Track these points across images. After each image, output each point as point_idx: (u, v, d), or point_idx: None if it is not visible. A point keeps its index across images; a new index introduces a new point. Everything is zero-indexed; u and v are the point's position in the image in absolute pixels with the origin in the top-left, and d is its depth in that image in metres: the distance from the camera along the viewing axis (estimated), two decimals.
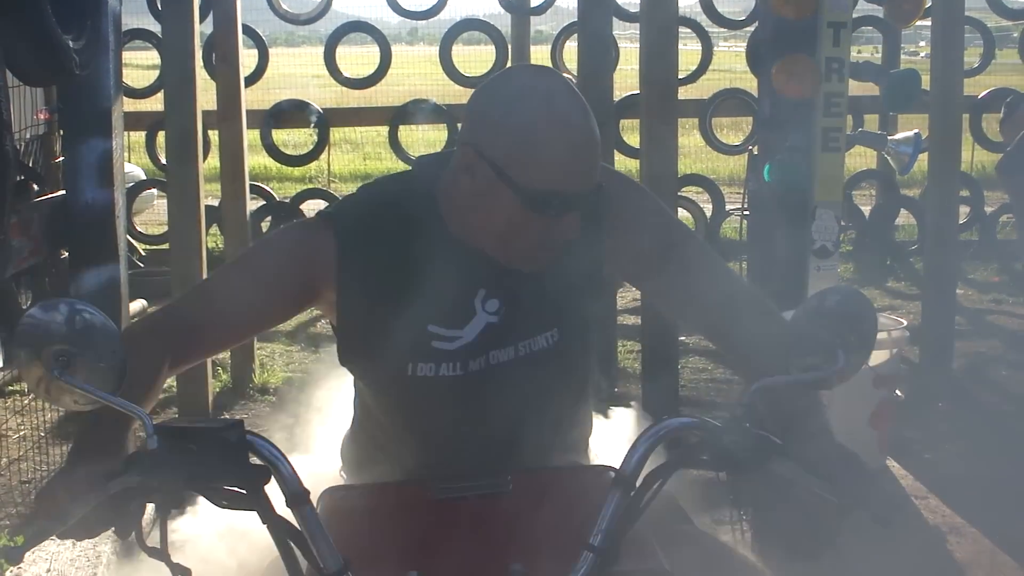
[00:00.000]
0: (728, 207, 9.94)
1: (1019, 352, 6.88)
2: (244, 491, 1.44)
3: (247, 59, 7.25)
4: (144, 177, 10.05)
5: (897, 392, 4.91)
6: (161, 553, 1.47)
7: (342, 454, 2.24)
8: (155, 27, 7.37)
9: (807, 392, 1.72)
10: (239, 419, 1.46)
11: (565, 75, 8.60)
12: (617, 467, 1.53)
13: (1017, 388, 6.21)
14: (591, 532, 1.47)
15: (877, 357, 4.54)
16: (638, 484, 1.50)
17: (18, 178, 4.44)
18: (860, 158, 10.47)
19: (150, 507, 1.48)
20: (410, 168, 2.11)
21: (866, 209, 10.24)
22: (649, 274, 2.05)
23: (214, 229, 8.07)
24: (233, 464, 1.43)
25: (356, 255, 1.92)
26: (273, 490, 1.47)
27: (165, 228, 7.14)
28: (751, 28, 8.59)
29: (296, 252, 1.96)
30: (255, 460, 1.46)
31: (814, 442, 1.65)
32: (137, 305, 7.78)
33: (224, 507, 1.45)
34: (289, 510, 1.47)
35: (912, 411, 5.48)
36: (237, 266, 2.06)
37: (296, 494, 1.46)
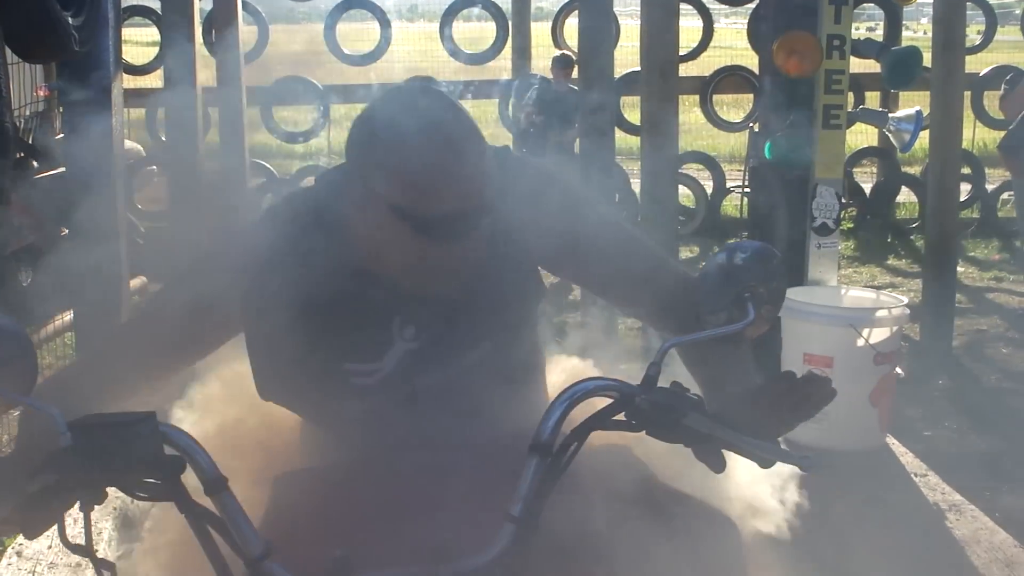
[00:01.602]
0: (729, 184, 9.94)
1: (1019, 330, 6.89)
2: (160, 482, 1.43)
3: (247, 35, 7.24)
4: (144, 154, 10.05)
5: (897, 369, 4.91)
6: (85, 550, 1.46)
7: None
8: (155, 3, 7.36)
9: (727, 346, 1.71)
10: (151, 412, 1.45)
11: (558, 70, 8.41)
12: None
13: (1017, 366, 6.21)
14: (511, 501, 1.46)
15: (878, 334, 4.54)
16: (555, 449, 1.49)
17: (18, 155, 4.43)
18: (861, 135, 10.46)
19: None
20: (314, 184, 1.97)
21: (867, 186, 10.25)
22: (564, 262, 1.99)
23: None
24: (147, 456, 1.42)
25: (259, 293, 1.82)
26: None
27: (165, 205, 7.14)
28: (752, 5, 8.58)
29: (203, 290, 1.85)
30: (170, 450, 1.44)
31: (735, 395, 1.64)
32: (137, 282, 7.79)
33: (142, 499, 1.44)
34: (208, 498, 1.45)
35: (912, 388, 5.49)
36: (162, 296, 1.96)
37: (213, 481, 1.45)
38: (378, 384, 1.86)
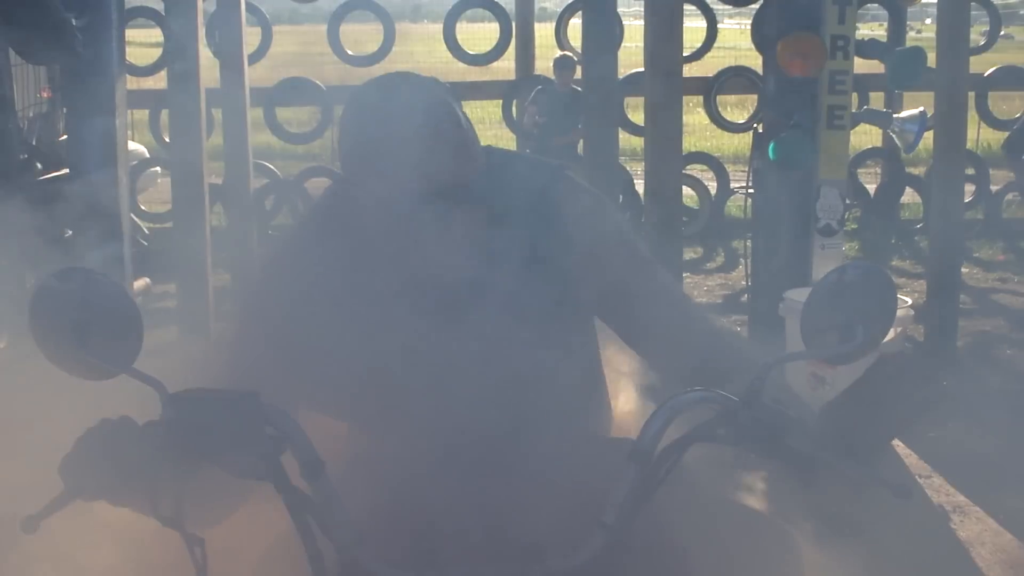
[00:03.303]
0: (733, 185, 9.92)
1: (1023, 331, 6.88)
2: (259, 462, 1.43)
3: (250, 36, 7.24)
4: (148, 155, 10.05)
5: None
6: (176, 522, 1.45)
7: None
8: (158, 5, 7.35)
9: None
10: (254, 391, 1.45)
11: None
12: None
13: (1021, 367, 6.20)
14: (605, 508, 1.46)
15: None
16: (654, 459, 1.48)
17: (22, 156, 4.43)
18: (865, 136, 10.45)
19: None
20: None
21: (871, 187, 10.23)
22: (607, 304, 1.97)
23: (217, 207, 8.07)
24: (247, 435, 1.42)
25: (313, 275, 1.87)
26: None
27: (169, 207, 7.13)
28: (756, 5, 8.56)
29: (270, 282, 1.94)
30: (270, 431, 1.45)
31: (835, 402, 1.62)
32: (141, 284, 7.80)
33: (239, 477, 1.44)
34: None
35: None
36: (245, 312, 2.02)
37: (311, 465, 1.45)
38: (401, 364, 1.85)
